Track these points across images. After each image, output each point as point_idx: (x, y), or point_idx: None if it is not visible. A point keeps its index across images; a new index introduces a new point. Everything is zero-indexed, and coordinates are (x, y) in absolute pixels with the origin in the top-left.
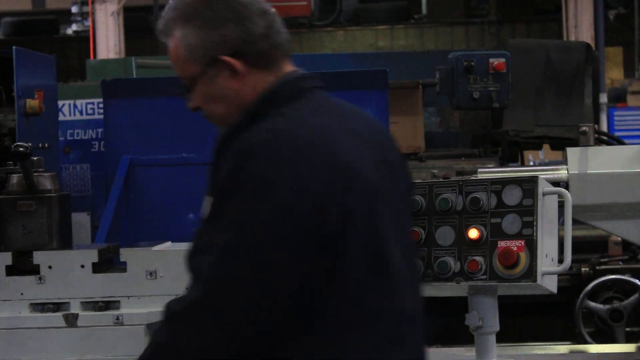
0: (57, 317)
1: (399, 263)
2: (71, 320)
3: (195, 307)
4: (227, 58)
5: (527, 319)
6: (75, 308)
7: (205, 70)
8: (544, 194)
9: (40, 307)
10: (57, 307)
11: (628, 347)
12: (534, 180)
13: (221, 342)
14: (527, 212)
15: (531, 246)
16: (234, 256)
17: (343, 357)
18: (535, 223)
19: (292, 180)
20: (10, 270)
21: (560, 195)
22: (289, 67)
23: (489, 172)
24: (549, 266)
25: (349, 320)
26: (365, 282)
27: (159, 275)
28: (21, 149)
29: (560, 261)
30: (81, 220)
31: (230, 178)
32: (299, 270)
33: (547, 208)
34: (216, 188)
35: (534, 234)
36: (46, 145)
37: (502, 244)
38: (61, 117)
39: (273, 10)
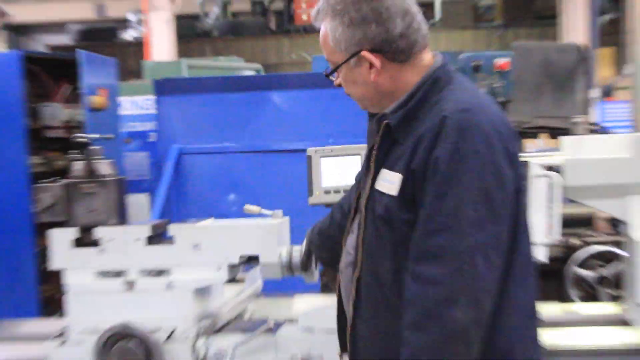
0: (118, 283)
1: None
2: (130, 286)
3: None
4: (366, 54)
5: None
6: (132, 275)
7: (348, 59)
8: (535, 176)
9: (103, 274)
10: (116, 274)
11: (611, 307)
12: (526, 164)
13: (496, 262)
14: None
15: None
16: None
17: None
18: (526, 201)
19: (494, 153)
20: (77, 243)
21: (550, 179)
22: (427, 56)
23: None
24: (540, 238)
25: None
26: (525, 233)
27: (203, 247)
28: (82, 139)
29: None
30: (141, 201)
31: (454, 154)
32: (507, 208)
33: (538, 190)
34: (438, 167)
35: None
36: (110, 135)
37: None
38: (123, 111)
39: (415, 8)
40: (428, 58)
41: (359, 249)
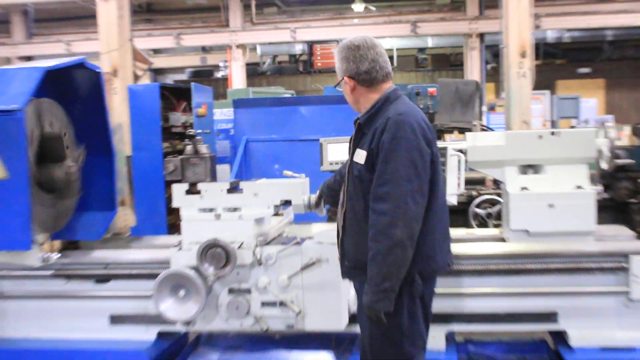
0: (211, 215)
1: (443, 185)
2: (217, 217)
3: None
4: (346, 78)
5: None
6: (219, 211)
7: (340, 81)
8: (450, 155)
9: (202, 210)
10: (210, 210)
11: (494, 230)
12: (445, 148)
13: (421, 202)
14: (443, 164)
15: (444, 182)
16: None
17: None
18: (445, 170)
19: (416, 138)
20: (187, 192)
21: (459, 157)
22: (388, 84)
23: None
24: (453, 190)
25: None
26: (441, 188)
27: (259, 195)
28: (191, 132)
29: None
30: (225, 169)
31: (392, 140)
32: (426, 171)
33: (452, 163)
34: (383, 147)
35: (445, 176)
36: (207, 131)
37: None
38: (215, 117)
39: (380, 58)
40: (387, 86)
41: (345, 195)
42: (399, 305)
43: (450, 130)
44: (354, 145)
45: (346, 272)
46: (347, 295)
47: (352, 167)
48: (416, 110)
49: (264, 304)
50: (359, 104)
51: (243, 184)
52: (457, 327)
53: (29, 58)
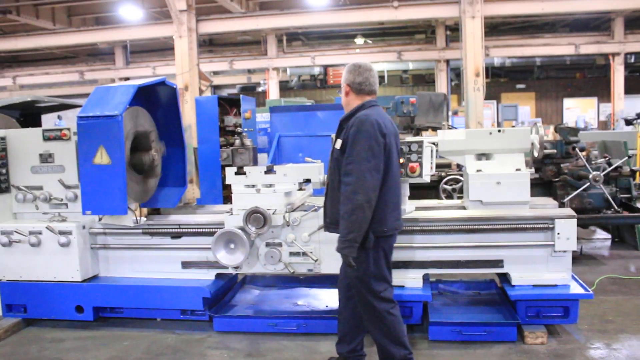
0: (253, 190)
1: (396, 168)
2: (257, 191)
3: (362, 169)
4: (345, 85)
5: (421, 192)
6: (259, 186)
7: (343, 87)
8: (425, 146)
9: (247, 186)
10: (252, 186)
11: (457, 201)
12: (421, 141)
13: (376, 176)
14: (419, 152)
15: (421, 165)
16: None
17: (391, 192)
18: (422, 157)
19: (374, 131)
20: (236, 173)
21: (432, 148)
22: (370, 97)
23: (409, 139)
24: (427, 171)
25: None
26: (394, 170)
27: (288, 174)
28: (240, 130)
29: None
30: (263, 157)
31: (357, 132)
32: (381, 154)
33: (427, 152)
34: (350, 137)
35: (422, 161)
36: (251, 129)
37: (412, 164)
38: (257, 119)
39: (371, 79)
40: (369, 98)
41: (328, 172)
42: (366, 255)
43: (425, 129)
44: (336, 136)
45: (326, 226)
46: None
47: (333, 152)
48: (378, 115)
49: (291, 253)
50: (349, 106)
51: (276, 167)
52: (431, 271)
53: (126, 78)
